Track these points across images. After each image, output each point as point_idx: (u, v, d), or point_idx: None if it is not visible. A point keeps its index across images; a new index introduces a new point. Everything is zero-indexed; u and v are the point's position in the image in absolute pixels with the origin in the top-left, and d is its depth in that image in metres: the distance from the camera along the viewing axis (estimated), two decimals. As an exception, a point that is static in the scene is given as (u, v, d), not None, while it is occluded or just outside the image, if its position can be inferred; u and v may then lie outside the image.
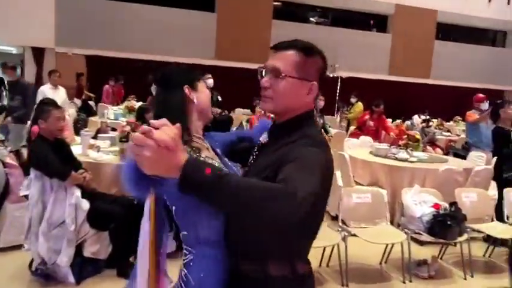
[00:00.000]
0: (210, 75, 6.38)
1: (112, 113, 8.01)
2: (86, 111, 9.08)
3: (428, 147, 8.39)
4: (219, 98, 6.39)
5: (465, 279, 3.64)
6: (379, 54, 15.11)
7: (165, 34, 12.56)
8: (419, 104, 13.63)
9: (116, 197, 3.38)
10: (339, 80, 14.62)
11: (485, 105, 5.86)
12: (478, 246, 4.28)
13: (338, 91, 14.04)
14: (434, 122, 10.85)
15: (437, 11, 15.64)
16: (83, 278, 3.12)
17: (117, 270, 3.24)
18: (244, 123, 9.15)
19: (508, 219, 4.04)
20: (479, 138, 5.63)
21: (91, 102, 10.27)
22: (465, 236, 3.53)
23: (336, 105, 13.63)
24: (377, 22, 16.19)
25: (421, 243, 4.22)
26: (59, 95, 6.13)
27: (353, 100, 10.06)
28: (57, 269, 3.03)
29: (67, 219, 2.96)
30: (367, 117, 7.01)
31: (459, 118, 12.76)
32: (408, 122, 10.74)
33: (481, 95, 6.03)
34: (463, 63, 15.98)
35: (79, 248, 3.10)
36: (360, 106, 9.78)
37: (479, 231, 3.89)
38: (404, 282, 3.50)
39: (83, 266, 3.14)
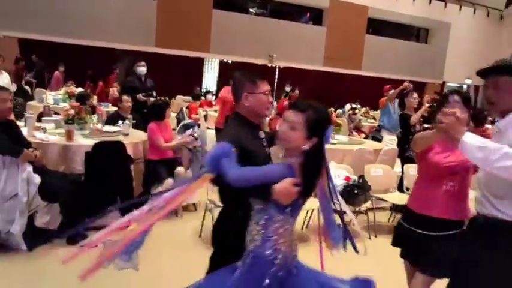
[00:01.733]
0: (143, 63, 6.63)
1: (51, 98, 8.09)
2: (22, 96, 8.98)
3: (354, 132, 9.28)
4: (153, 84, 6.70)
5: (370, 238, 4.37)
6: (314, 46, 15.88)
7: (104, 20, 12.45)
8: (351, 93, 14.66)
9: (64, 173, 3.70)
10: (277, 69, 15.32)
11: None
12: (385, 215, 5.06)
13: (276, 80, 14.72)
14: (361, 110, 11.81)
15: (368, 7, 16.67)
16: (35, 246, 3.44)
17: (67, 239, 3.57)
18: (184, 109, 9.53)
19: (407, 190, 4.82)
20: (388, 121, 6.47)
21: (26, 87, 10.11)
22: (369, 203, 4.24)
23: (274, 93, 14.29)
24: (313, 15, 17.01)
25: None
26: (2, 79, 6.14)
27: (287, 89, 10.69)
28: (10, 237, 3.32)
29: (20, 192, 3.26)
30: (285, 103, 7.61)
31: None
32: (340, 110, 11.65)
33: (387, 86, 6.93)
34: (391, 57, 17.19)
35: (31, 219, 3.41)
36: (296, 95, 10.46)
37: (383, 200, 4.63)
38: (321, 243, 4.13)
39: (35, 235, 3.45)
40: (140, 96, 6.20)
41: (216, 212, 3.61)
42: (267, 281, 1.72)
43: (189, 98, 11.84)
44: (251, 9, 16.33)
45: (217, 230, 2.17)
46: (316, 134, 1.75)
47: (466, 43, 18.61)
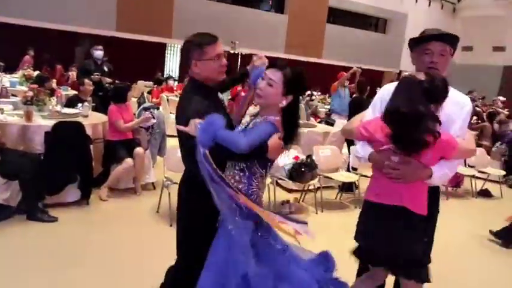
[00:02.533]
0: (100, 47, 6.69)
1: (7, 80, 7.98)
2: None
3: (311, 117, 9.69)
4: (111, 68, 6.80)
5: (317, 213, 4.74)
6: (276, 34, 16.16)
7: (64, 3, 12.20)
8: (312, 81, 15.03)
9: (24, 152, 3.82)
10: (240, 56, 15.49)
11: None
12: (333, 193, 5.46)
13: (238, 67, 14.91)
14: (318, 96, 12.25)
15: (329, -4, 17.10)
16: (-5, 222, 3.56)
17: (27, 215, 3.72)
18: (146, 94, 9.61)
19: (353, 169, 5.23)
20: (339, 105, 6.88)
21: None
22: (317, 181, 4.61)
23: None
24: (275, 3, 17.23)
25: (289, 191, 5.28)
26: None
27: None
28: (-30, 213, 3.43)
29: (-21, 169, 3.37)
30: (239, 88, 7.88)
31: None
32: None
33: (342, 73, 7.35)
34: (350, 46, 17.71)
35: (-9, 196, 3.53)
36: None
37: (330, 178, 5.01)
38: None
39: (-5, 211, 3.57)
40: (94, 76, 6.28)
41: (172, 188, 3.87)
42: (251, 226, 1.85)
43: (150, 83, 11.86)
44: (214, -5, 16.32)
45: (184, 196, 2.16)
46: (292, 91, 1.90)
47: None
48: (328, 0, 17.13)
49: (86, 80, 5.54)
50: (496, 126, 8.45)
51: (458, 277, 3.53)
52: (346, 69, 17.35)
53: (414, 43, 2.10)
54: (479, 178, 6.56)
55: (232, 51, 15.13)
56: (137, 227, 3.92)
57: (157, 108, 5.70)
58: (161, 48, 16.20)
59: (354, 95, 6.13)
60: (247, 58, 15.46)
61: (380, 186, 1.97)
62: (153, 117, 4.79)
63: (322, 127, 6.23)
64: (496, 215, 5.01)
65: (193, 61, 2.04)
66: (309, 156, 4.64)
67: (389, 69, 19.74)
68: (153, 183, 4.94)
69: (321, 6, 17.10)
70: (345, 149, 5.67)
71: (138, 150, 4.56)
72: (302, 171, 4.35)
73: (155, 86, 10.38)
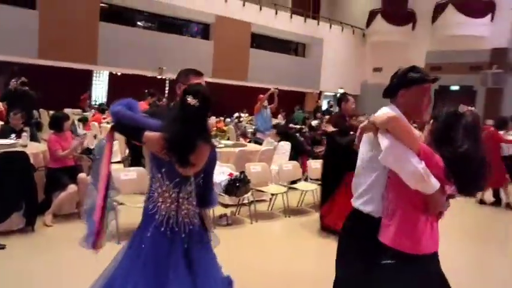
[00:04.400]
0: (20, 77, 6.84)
1: None
2: None
3: (241, 138, 10.29)
4: (35, 96, 6.94)
5: (251, 223, 5.25)
6: (203, 59, 16.68)
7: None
8: (238, 103, 15.71)
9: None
10: (167, 81, 15.81)
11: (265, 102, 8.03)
12: (265, 205, 6.02)
13: (166, 92, 15.21)
14: (246, 118, 12.96)
15: (251, 23, 18.07)
16: None
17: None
18: (76, 122, 9.61)
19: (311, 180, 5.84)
20: (261, 123, 7.58)
21: None
22: (250, 194, 5.13)
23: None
24: (201, 30, 17.86)
25: (226, 205, 5.74)
26: None
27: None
28: None
29: None
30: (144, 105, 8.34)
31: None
32: (228, 119, 12.65)
33: (261, 95, 8.14)
34: (273, 69, 18.72)
35: None
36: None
37: (261, 191, 5.56)
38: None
39: None
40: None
41: (120, 209, 4.16)
42: (149, 234, 2.08)
43: (79, 110, 11.78)
44: (139, 23, 16.59)
45: None
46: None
47: (336, 57, 21.11)
48: (251, 27, 18.10)
49: (14, 112, 5.65)
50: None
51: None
52: (268, 91, 18.39)
53: (415, 81, 2.04)
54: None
55: (159, 77, 15.42)
56: (84, 249, 4.10)
57: (94, 136, 5.93)
58: (87, 75, 16.04)
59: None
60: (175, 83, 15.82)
61: (420, 231, 1.84)
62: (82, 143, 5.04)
63: (252, 146, 6.81)
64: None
65: (178, 83, 2.44)
66: (242, 173, 5.16)
67: (310, 90, 21.12)
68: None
69: (245, 32, 18.02)
70: (273, 166, 6.28)
71: (82, 176, 4.78)
72: (237, 186, 4.84)
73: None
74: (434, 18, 19.51)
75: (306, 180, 6.31)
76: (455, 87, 19.92)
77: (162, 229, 2.10)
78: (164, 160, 2.05)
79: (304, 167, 6.58)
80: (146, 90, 6.49)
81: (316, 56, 20.84)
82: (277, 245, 4.75)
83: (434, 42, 20.04)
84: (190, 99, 2.04)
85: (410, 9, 20.72)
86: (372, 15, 21.44)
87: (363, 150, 2.09)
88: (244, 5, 17.76)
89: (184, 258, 2.11)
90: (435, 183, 1.74)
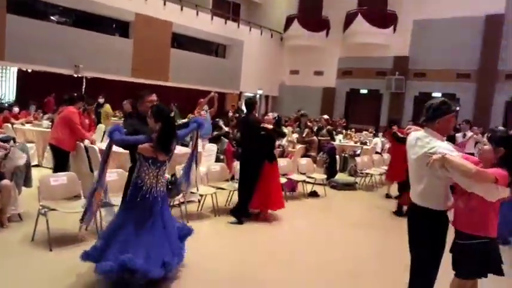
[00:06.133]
0: None
1: None
2: None
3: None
4: None
5: (183, 224, 5.44)
6: (122, 57, 16.24)
7: None
8: (161, 103, 15.53)
9: None
10: (84, 80, 15.18)
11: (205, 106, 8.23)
12: (195, 205, 6.23)
13: (84, 90, 14.61)
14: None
15: (173, 23, 17.91)
16: None
17: None
18: None
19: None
20: (201, 129, 7.75)
21: None
22: (181, 195, 5.32)
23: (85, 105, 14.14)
24: (120, 27, 17.31)
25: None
26: None
27: (101, 100, 11.03)
28: None
29: None
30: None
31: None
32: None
33: (201, 99, 8.29)
34: (194, 69, 18.79)
35: None
36: (108, 107, 10.94)
37: (191, 192, 5.77)
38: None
39: None
40: None
41: (50, 215, 4.13)
42: (138, 199, 3.45)
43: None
44: (52, 17, 15.68)
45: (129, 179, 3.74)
46: (159, 120, 3.43)
47: (256, 59, 21.75)
48: (171, 26, 17.96)
49: None
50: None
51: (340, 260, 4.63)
52: (193, 91, 18.41)
53: (448, 112, 2.88)
54: (309, 182, 8.09)
55: (75, 75, 14.74)
56: (13, 258, 3.99)
57: (14, 140, 5.69)
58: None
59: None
60: (93, 82, 15.21)
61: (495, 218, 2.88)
62: (6, 148, 4.83)
63: (182, 149, 6.96)
64: (326, 209, 6.45)
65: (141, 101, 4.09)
66: (173, 175, 5.34)
67: (231, 91, 21.52)
68: (19, 214, 4.96)
69: (165, 31, 17.83)
70: (202, 167, 6.50)
71: (5, 182, 4.61)
72: (169, 188, 5.01)
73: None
74: (345, 27, 20.99)
75: (232, 179, 6.63)
76: (364, 91, 21.70)
77: (148, 196, 3.49)
78: (150, 155, 3.44)
79: (230, 167, 6.91)
80: (75, 94, 6.33)
81: (237, 57, 21.28)
82: (207, 242, 5.01)
83: (346, 48, 21.58)
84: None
85: (324, 17, 22.05)
86: (289, 20, 22.46)
87: (421, 164, 2.85)
88: (165, 4, 17.59)
89: (161, 213, 3.58)
90: (505, 193, 2.77)
